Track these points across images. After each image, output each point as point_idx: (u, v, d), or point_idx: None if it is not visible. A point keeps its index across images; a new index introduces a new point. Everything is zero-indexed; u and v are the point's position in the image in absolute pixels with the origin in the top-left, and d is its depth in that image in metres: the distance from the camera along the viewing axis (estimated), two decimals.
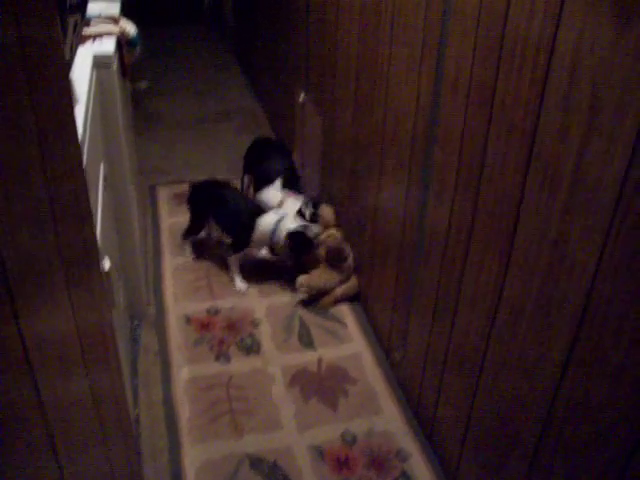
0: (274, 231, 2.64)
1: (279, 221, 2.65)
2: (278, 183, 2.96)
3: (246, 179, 3.29)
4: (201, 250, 2.96)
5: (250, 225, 2.68)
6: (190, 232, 2.91)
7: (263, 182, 3.02)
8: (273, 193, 2.94)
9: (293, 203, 2.85)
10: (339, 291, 2.67)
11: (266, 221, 2.67)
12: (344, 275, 2.68)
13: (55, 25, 0.92)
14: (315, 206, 2.80)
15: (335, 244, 2.69)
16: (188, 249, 2.93)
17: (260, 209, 2.77)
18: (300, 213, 2.73)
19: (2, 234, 0.65)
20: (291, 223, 2.65)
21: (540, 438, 1.37)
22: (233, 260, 2.76)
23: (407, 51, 1.89)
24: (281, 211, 2.74)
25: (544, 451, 1.36)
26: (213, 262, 2.87)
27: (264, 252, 2.88)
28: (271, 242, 2.68)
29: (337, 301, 2.67)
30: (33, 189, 0.83)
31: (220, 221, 2.84)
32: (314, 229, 2.67)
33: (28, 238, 0.83)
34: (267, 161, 3.07)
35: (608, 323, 1.12)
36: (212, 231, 2.97)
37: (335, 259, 2.67)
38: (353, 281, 2.69)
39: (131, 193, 2.32)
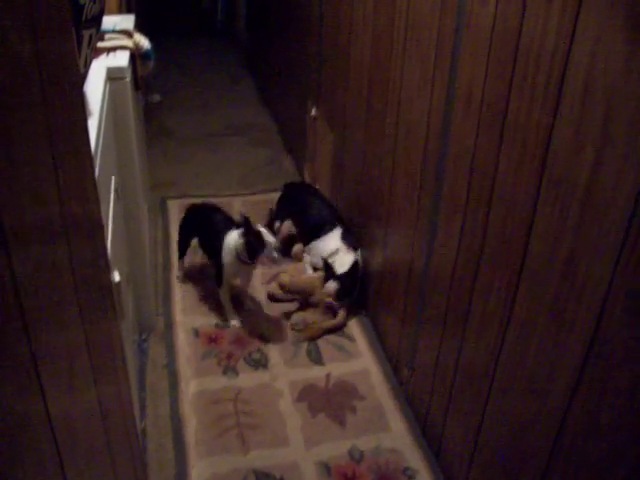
0: (235, 245, 2.43)
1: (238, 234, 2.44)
2: (338, 231, 2.81)
3: (278, 224, 3.05)
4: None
5: (220, 244, 2.50)
6: (179, 251, 2.87)
7: (315, 229, 2.89)
8: (333, 241, 2.79)
9: (346, 255, 2.71)
10: (327, 324, 2.59)
11: (231, 237, 2.47)
12: (320, 306, 2.62)
13: (71, 39, 0.93)
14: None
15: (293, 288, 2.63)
16: (179, 266, 2.88)
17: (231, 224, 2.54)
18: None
19: (14, 247, 0.66)
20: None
21: (549, 459, 1.35)
22: (222, 294, 2.62)
23: (419, 66, 1.90)
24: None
25: (553, 472, 1.34)
26: None
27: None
28: (238, 257, 2.44)
29: (324, 333, 2.57)
30: (46, 200, 0.83)
31: (204, 246, 2.75)
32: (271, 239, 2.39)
33: (40, 251, 0.83)
34: (317, 208, 2.95)
35: (619, 343, 1.11)
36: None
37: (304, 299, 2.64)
38: (340, 317, 2.61)
39: (142, 206, 2.33)
